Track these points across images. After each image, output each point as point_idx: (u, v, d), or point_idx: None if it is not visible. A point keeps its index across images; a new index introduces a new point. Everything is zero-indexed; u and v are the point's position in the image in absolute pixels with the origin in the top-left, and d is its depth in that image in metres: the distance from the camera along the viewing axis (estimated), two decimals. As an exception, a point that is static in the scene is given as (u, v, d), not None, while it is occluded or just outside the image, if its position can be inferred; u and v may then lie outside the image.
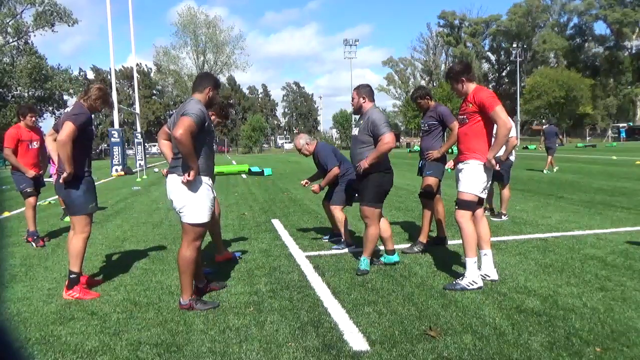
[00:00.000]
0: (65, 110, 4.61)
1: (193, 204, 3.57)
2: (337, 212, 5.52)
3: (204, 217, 3.62)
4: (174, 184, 3.61)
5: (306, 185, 5.83)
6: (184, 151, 3.43)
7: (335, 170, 5.48)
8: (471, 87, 4.08)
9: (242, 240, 6.20)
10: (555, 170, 14.97)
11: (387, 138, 4.26)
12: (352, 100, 4.61)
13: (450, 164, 4.41)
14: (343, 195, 5.54)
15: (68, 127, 3.95)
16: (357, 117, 4.72)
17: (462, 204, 4.00)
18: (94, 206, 4.22)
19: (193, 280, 3.75)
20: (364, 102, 4.50)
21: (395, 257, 4.70)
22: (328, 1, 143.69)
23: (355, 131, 4.58)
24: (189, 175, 3.47)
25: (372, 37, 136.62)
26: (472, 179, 3.98)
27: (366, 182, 4.43)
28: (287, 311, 3.58)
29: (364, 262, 4.51)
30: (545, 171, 14.71)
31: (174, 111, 3.91)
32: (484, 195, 4.11)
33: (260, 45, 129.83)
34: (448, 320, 3.30)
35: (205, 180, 3.63)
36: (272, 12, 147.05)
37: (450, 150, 5.34)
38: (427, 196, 5.25)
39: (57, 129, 4.51)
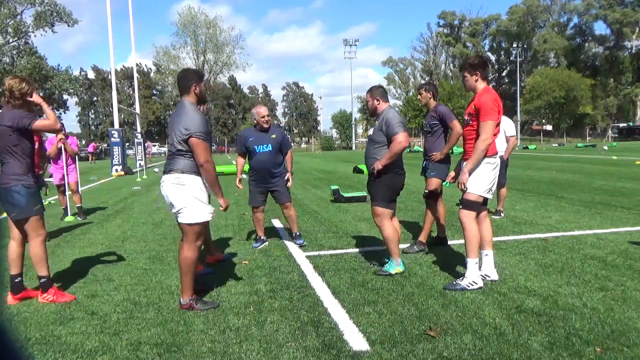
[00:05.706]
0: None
1: (191, 204, 3.57)
2: (291, 210, 5.77)
3: (203, 216, 3.62)
4: (169, 185, 3.60)
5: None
6: (210, 179, 3.57)
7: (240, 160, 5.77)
8: (480, 86, 4.04)
9: (242, 240, 6.20)
10: None
11: (400, 138, 4.26)
12: (367, 104, 4.64)
13: (450, 175, 4.36)
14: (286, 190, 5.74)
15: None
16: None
17: (467, 204, 3.99)
18: (40, 208, 3.97)
19: (194, 280, 3.75)
20: (378, 104, 4.53)
21: (389, 267, 4.42)
22: (333, 0, 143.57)
23: (370, 131, 4.64)
24: (224, 203, 3.68)
25: (376, 37, 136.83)
26: (478, 179, 3.97)
27: (378, 183, 4.45)
28: (287, 311, 3.58)
29: (391, 265, 4.41)
30: None
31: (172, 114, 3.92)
32: (489, 196, 4.09)
33: (263, 44, 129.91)
34: (448, 320, 3.30)
35: (199, 179, 3.61)
36: (276, 10, 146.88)
37: (451, 151, 5.34)
38: (432, 197, 5.27)
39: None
